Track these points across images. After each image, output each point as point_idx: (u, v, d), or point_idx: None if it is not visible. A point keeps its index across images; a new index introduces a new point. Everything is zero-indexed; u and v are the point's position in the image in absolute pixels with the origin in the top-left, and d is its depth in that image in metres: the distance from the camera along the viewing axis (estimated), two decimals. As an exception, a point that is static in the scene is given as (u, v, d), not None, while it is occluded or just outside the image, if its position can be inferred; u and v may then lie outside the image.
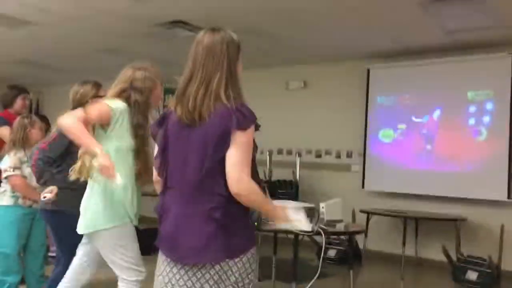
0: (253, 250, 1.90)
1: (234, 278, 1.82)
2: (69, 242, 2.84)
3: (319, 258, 4.16)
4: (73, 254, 2.90)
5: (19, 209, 3.67)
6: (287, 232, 3.43)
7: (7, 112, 4.55)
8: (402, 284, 5.27)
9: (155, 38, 6.01)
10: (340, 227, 3.69)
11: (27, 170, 3.66)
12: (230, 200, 1.78)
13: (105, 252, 2.57)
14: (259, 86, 7.61)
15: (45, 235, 3.92)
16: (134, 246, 2.61)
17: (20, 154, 3.68)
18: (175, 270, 1.86)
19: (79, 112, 2.41)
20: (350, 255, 4.19)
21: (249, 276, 1.87)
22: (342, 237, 5.31)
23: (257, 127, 1.84)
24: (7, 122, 4.43)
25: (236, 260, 1.81)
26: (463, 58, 5.94)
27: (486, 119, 5.83)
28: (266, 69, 7.49)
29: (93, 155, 2.29)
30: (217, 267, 1.80)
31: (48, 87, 10.02)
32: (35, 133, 3.75)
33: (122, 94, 2.57)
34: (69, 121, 2.33)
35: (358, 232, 4.16)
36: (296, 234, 3.39)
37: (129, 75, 2.61)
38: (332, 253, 5.92)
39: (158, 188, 2.01)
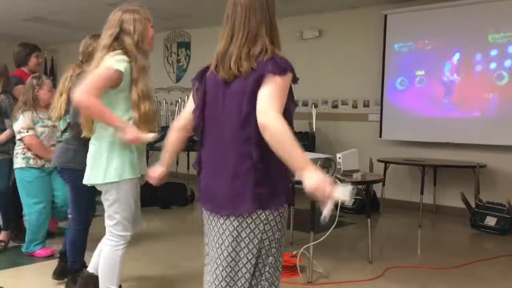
0: (286, 208, 1.90)
1: (267, 228, 1.82)
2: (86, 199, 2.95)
3: (336, 208, 4.19)
4: (88, 212, 2.98)
5: (33, 170, 3.76)
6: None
7: (21, 70, 4.55)
8: (420, 231, 5.31)
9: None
10: (357, 176, 3.70)
11: (40, 130, 3.73)
12: (267, 150, 1.71)
13: (110, 204, 2.58)
14: (273, 36, 7.48)
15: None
16: (135, 203, 2.62)
17: (32, 114, 3.71)
18: (215, 220, 1.88)
19: (90, 84, 2.37)
20: (368, 204, 4.21)
21: (280, 232, 1.87)
22: (360, 186, 5.33)
23: (295, 80, 1.83)
24: (21, 81, 4.44)
25: (267, 213, 1.81)
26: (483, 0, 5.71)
27: (508, 63, 5.65)
28: (279, 19, 7.32)
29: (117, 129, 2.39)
30: (253, 216, 1.80)
31: (63, 44, 9.99)
32: (43, 93, 3.76)
33: (114, 42, 2.50)
34: (85, 100, 2.34)
35: (375, 182, 4.16)
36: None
37: (118, 18, 2.54)
38: (349, 202, 5.97)
39: (177, 135, 2.05)
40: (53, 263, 3.40)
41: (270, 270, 1.86)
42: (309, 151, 5.75)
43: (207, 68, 1.94)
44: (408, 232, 5.30)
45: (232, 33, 1.86)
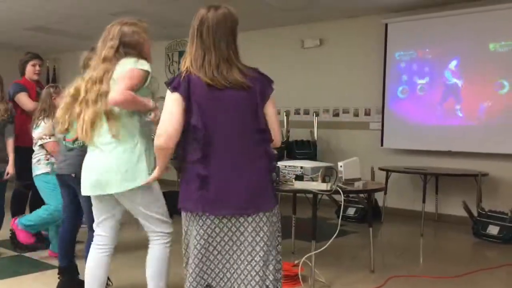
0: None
1: (266, 229, 2.11)
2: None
3: (338, 216, 4.19)
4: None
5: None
6: (305, 191, 3.43)
7: (25, 78, 4.57)
8: (422, 240, 5.29)
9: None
10: (358, 185, 3.69)
11: (59, 136, 3.80)
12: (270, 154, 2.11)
13: (140, 208, 2.59)
14: (273, 45, 7.52)
15: None
16: (163, 200, 2.68)
17: (52, 121, 3.77)
18: (214, 224, 2.08)
19: (122, 84, 2.41)
20: (369, 212, 4.20)
21: (271, 233, 2.16)
22: (361, 195, 5.31)
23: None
24: (25, 88, 4.46)
25: (268, 214, 2.11)
26: (484, 8, 5.73)
27: (509, 71, 5.65)
28: (280, 28, 7.36)
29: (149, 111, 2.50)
30: (257, 217, 2.09)
31: (65, 54, 10.03)
32: (60, 100, 3.82)
33: (116, 54, 2.53)
34: (121, 95, 2.38)
35: (376, 190, 4.14)
36: (315, 194, 3.40)
37: (117, 31, 2.56)
38: (351, 211, 5.95)
39: (166, 143, 2.07)
40: (53, 272, 3.39)
41: (279, 255, 2.19)
42: (311, 159, 5.75)
43: (188, 78, 2.05)
44: (410, 241, 5.28)
45: (204, 51, 2.09)
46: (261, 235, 2.09)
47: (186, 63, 2.10)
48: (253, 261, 2.09)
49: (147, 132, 2.59)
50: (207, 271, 2.11)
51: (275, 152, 2.17)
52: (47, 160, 3.82)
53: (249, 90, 2.06)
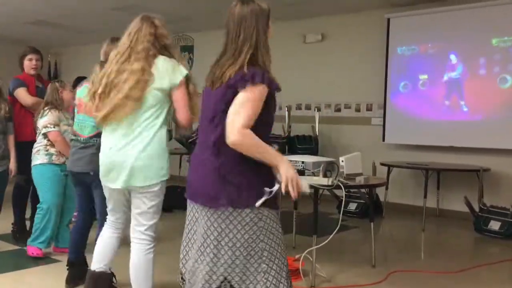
0: (262, 211, 1.98)
1: (236, 229, 1.97)
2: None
3: (339, 211, 4.19)
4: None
5: (55, 166, 3.83)
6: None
7: (25, 73, 4.55)
8: (423, 235, 5.29)
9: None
10: (360, 180, 3.68)
11: (64, 128, 3.83)
12: (231, 152, 1.93)
13: (146, 207, 2.55)
14: (275, 40, 7.35)
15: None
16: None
17: (59, 113, 3.84)
18: (198, 212, 2.08)
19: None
20: (371, 207, 4.19)
21: (251, 236, 1.98)
22: (363, 190, 5.32)
23: (278, 89, 2.01)
24: (24, 83, 4.44)
25: (239, 211, 1.96)
26: (488, 3, 5.70)
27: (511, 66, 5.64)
28: (282, 22, 7.34)
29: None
30: (226, 213, 1.97)
31: (66, 48, 10.03)
32: (66, 93, 3.92)
33: (160, 49, 2.55)
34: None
35: (378, 185, 4.15)
36: (316, 189, 3.40)
37: (152, 32, 2.54)
38: (352, 206, 5.95)
39: None
40: (56, 266, 3.39)
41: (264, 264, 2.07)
42: (312, 154, 5.74)
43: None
44: (412, 236, 5.28)
45: (226, 46, 2.05)
46: (210, 231, 2.00)
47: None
48: (203, 254, 2.02)
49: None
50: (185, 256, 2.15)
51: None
52: (47, 151, 3.81)
53: (220, 87, 2.00)
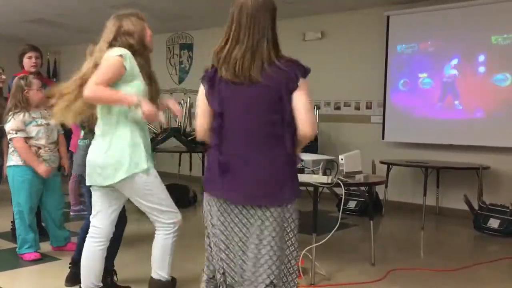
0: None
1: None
2: None
3: (339, 210, 4.19)
4: None
5: (29, 169, 3.69)
6: (306, 184, 3.43)
7: (25, 72, 4.53)
8: (423, 233, 5.29)
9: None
10: (359, 178, 3.68)
11: (35, 130, 3.66)
12: (290, 148, 2.01)
13: (139, 199, 2.62)
14: (275, 38, 7.47)
15: (61, 196, 4.01)
16: (164, 189, 2.68)
17: (24, 116, 3.65)
18: (251, 213, 2.02)
19: (94, 79, 2.43)
20: (370, 206, 4.19)
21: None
22: (362, 188, 5.32)
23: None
24: None
25: (273, 209, 2.01)
26: (487, 1, 5.70)
27: (511, 64, 5.63)
28: (281, 20, 7.30)
29: (134, 106, 2.43)
30: (288, 206, 2.05)
31: (66, 46, 10.01)
32: (33, 93, 3.70)
33: (114, 42, 2.56)
34: (91, 91, 2.40)
35: (377, 183, 4.15)
36: (316, 187, 3.40)
37: (116, 23, 2.61)
38: (352, 204, 5.96)
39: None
40: (55, 264, 3.39)
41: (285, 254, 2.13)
42: (312, 152, 5.73)
43: (214, 72, 2.03)
44: (411, 234, 5.28)
45: (237, 37, 1.99)
46: (268, 232, 2.00)
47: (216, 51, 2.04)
48: (259, 254, 2.01)
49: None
50: (224, 258, 2.08)
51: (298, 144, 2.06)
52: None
53: (263, 85, 1.98)
